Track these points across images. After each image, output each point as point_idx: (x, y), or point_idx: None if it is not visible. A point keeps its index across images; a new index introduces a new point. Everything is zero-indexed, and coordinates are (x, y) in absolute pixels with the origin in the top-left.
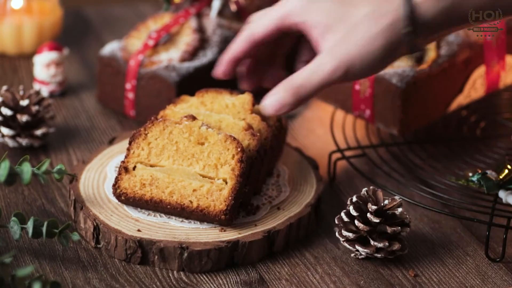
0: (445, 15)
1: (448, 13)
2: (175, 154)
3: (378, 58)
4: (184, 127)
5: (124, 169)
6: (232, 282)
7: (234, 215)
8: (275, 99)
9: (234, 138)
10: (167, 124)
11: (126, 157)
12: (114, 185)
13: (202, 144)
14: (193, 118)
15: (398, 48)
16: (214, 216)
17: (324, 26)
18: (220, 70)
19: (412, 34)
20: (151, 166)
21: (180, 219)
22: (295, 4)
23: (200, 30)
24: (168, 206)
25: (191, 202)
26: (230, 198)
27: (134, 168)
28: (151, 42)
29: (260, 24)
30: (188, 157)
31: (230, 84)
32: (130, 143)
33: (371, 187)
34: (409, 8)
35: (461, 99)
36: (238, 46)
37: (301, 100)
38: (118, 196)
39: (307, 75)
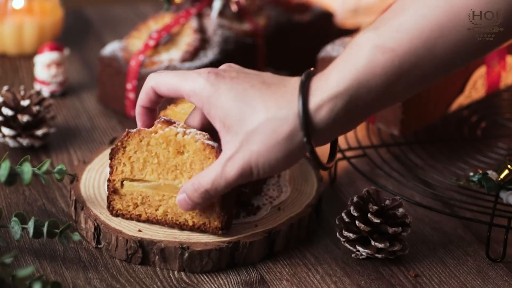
0: (343, 116)
1: (345, 113)
2: (158, 167)
3: (279, 164)
4: (160, 137)
5: (112, 192)
6: (233, 282)
7: (229, 224)
8: (184, 199)
9: (213, 146)
10: (142, 135)
11: (110, 174)
12: (108, 207)
13: (182, 153)
14: (168, 123)
15: (299, 152)
16: (211, 231)
17: (223, 125)
18: (140, 125)
19: (309, 141)
20: (138, 182)
21: None
22: (202, 88)
23: (201, 30)
24: (166, 225)
25: (186, 220)
26: (222, 214)
27: (122, 185)
28: (151, 42)
29: (162, 84)
30: (172, 169)
31: None
32: (111, 159)
33: (372, 188)
34: (306, 118)
35: (462, 100)
36: (143, 96)
37: (210, 200)
38: (116, 216)
39: (212, 181)
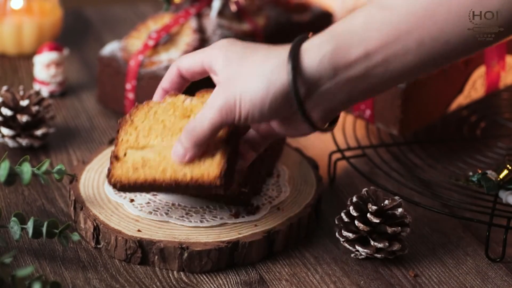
0: (330, 61)
1: (332, 58)
2: (163, 131)
3: (259, 99)
4: (167, 105)
5: (115, 158)
6: (232, 282)
7: (229, 181)
8: (175, 147)
9: None
10: (151, 105)
11: (115, 145)
12: (108, 175)
13: (188, 117)
14: (177, 94)
15: (281, 88)
16: (209, 184)
17: (223, 74)
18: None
19: (295, 83)
20: (142, 149)
21: (181, 219)
22: (217, 52)
23: (200, 30)
24: (163, 184)
25: (184, 175)
26: (223, 161)
27: (125, 155)
28: (151, 42)
29: (185, 60)
30: (176, 131)
31: None
32: (117, 132)
33: (371, 187)
34: (294, 52)
35: (461, 99)
36: (167, 77)
37: (198, 144)
38: (113, 185)
39: (199, 117)
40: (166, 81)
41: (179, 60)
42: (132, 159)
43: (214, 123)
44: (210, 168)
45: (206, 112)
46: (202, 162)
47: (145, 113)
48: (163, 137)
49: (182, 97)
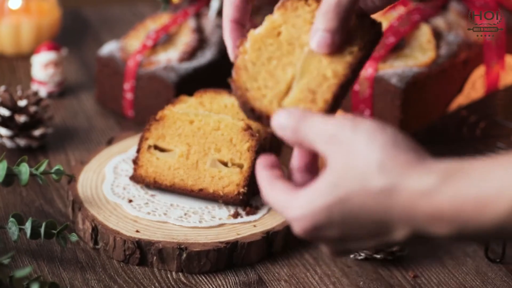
0: None
1: None
2: (281, 59)
3: None
4: (251, 47)
5: (258, 119)
6: (231, 283)
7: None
8: (318, 39)
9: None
10: (240, 66)
11: (257, 120)
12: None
13: (279, 33)
14: (244, 40)
15: None
16: (380, 36)
17: None
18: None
19: None
20: (289, 88)
21: (179, 219)
22: None
23: (199, 30)
24: (350, 79)
25: (351, 52)
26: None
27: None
28: (149, 42)
29: None
30: (290, 49)
31: (229, 85)
32: (251, 112)
33: None
34: None
35: (461, 99)
36: (228, 7)
37: (346, 17)
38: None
39: None
40: (230, 11)
41: None
42: (298, 99)
43: None
44: (364, 30)
45: None
46: (350, 35)
47: (246, 73)
48: (289, 62)
49: (251, 32)
